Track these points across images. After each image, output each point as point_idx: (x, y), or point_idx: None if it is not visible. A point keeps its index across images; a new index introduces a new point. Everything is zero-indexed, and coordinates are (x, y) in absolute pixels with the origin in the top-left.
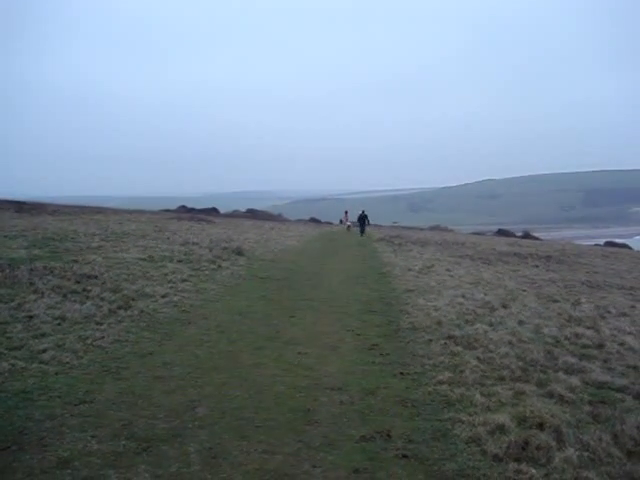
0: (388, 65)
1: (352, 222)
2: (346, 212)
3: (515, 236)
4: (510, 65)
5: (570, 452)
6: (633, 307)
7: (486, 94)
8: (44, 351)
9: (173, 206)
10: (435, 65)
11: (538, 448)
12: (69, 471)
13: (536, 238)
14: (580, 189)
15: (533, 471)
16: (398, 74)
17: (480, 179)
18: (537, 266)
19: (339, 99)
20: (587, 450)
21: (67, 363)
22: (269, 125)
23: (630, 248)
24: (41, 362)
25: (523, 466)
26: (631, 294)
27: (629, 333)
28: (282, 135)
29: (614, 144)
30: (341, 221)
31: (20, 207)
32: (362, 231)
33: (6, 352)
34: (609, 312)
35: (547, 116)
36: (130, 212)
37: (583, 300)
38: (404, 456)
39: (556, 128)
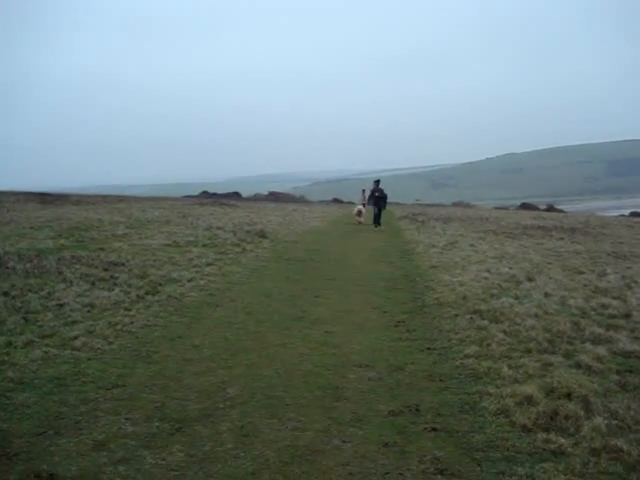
0: (405, 39)
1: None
2: (363, 191)
3: (539, 209)
4: (530, 33)
5: (599, 421)
6: None
7: (507, 65)
8: (75, 338)
9: (195, 192)
10: (454, 37)
11: (567, 418)
12: (105, 453)
13: (560, 211)
14: (603, 160)
15: (562, 440)
16: (416, 48)
17: (502, 153)
18: (562, 238)
19: (357, 76)
20: (615, 419)
21: (98, 349)
22: (287, 106)
23: None
24: (73, 349)
25: (552, 436)
26: None
27: None
28: (300, 116)
29: (636, 113)
30: (363, 205)
31: (44, 198)
32: (376, 218)
33: (39, 340)
34: (635, 282)
35: (568, 86)
36: (152, 199)
37: (609, 271)
38: (433, 429)
39: (577, 98)
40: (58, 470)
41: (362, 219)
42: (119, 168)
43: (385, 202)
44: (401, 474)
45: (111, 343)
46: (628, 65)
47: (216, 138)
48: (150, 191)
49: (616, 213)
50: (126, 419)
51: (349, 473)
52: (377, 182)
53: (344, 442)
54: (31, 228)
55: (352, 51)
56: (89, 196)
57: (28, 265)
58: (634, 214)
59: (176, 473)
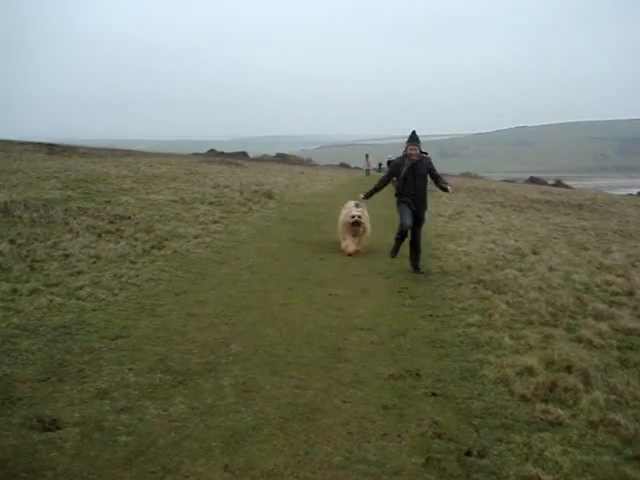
0: (421, 3)
1: (373, 168)
2: (367, 156)
3: (547, 184)
4: (549, 5)
5: (597, 394)
6: None
7: (524, 36)
8: (81, 288)
9: (202, 150)
10: (470, 3)
11: (565, 390)
12: (108, 401)
13: (568, 187)
14: (616, 137)
15: (560, 411)
16: (431, 13)
17: (513, 125)
18: (569, 214)
19: (371, 41)
20: (614, 393)
21: (103, 300)
22: (299, 69)
23: None
24: (78, 298)
25: (550, 406)
26: None
27: None
28: (310, 79)
29: None
30: (367, 172)
31: (52, 149)
32: (412, 242)
33: (44, 288)
34: None
35: (582, 61)
36: (160, 155)
37: (614, 248)
38: (433, 394)
39: (593, 74)
40: (61, 416)
41: (356, 244)
42: (126, 122)
43: (441, 184)
44: (399, 436)
45: (116, 295)
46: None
47: (225, 97)
48: (157, 147)
49: (624, 192)
50: (129, 369)
51: (348, 432)
52: (413, 138)
53: (344, 402)
54: (38, 178)
55: (366, 13)
56: (97, 149)
57: (35, 214)
58: None
59: (177, 424)
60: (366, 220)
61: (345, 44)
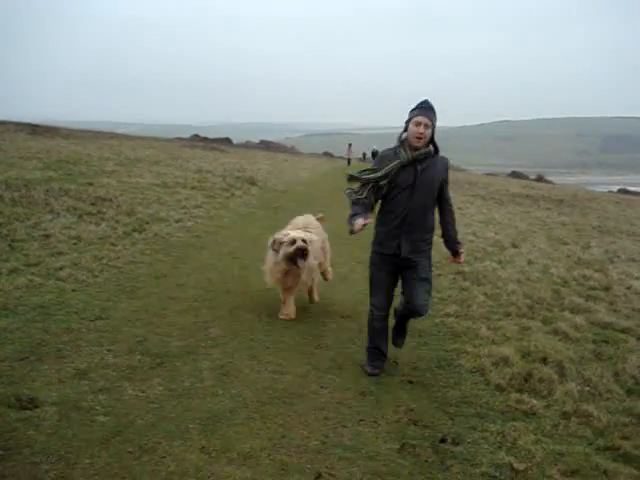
0: None
1: (357, 158)
2: (349, 145)
3: (528, 179)
4: (538, 3)
5: (571, 386)
6: None
7: (511, 31)
8: (61, 269)
9: (185, 134)
10: None
11: (540, 381)
12: (86, 382)
13: (549, 182)
14: (598, 134)
15: (534, 402)
16: (419, 3)
17: (497, 120)
18: (549, 209)
19: (356, 30)
20: (588, 385)
21: (83, 281)
22: (284, 56)
23: None
24: (58, 279)
25: (525, 396)
26: None
27: (636, 278)
28: (297, 66)
29: (634, 90)
30: (349, 161)
31: (34, 130)
32: (396, 331)
33: (24, 268)
34: (618, 257)
35: (567, 59)
36: (143, 139)
37: (593, 244)
38: (409, 382)
39: (578, 71)
40: (39, 395)
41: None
42: (111, 105)
43: (451, 230)
44: (375, 421)
45: (96, 276)
46: (627, 41)
47: (209, 82)
48: (141, 130)
49: (605, 189)
50: (108, 350)
51: (325, 417)
52: (425, 106)
53: (322, 388)
54: (20, 158)
55: (354, 1)
56: (80, 131)
57: (16, 194)
58: (622, 191)
59: (155, 405)
60: (310, 261)
61: (332, 33)
